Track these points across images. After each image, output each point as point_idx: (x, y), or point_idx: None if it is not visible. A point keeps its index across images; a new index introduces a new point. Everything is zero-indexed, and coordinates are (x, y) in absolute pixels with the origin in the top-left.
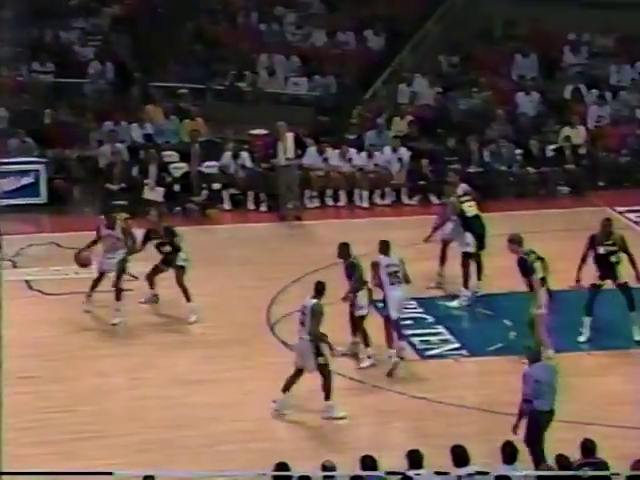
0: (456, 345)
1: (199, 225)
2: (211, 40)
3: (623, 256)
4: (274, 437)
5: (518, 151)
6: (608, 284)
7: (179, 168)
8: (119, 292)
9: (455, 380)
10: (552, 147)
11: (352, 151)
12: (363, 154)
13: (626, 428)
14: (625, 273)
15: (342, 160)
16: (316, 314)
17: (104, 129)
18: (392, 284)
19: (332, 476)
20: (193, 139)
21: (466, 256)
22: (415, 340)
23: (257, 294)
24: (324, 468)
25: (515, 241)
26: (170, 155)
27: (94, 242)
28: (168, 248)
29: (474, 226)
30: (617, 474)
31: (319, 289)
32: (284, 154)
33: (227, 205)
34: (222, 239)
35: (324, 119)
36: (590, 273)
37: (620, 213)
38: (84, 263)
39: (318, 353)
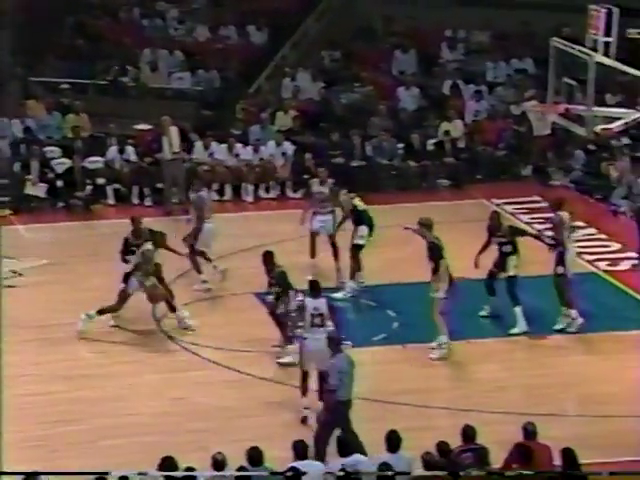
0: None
1: (83, 220)
2: (93, 35)
3: (519, 243)
4: (161, 430)
5: (400, 145)
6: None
7: (62, 164)
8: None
9: None
10: (432, 141)
11: (238, 145)
12: (249, 148)
13: (505, 414)
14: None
15: (228, 154)
16: (333, 310)
17: None
18: (208, 218)
19: (221, 469)
20: (76, 134)
21: (356, 248)
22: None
23: None
24: (214, 461)
25: (426, 225)
26: (52, 151)
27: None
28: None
29: (367, 219)
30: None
31: (316, 286)
32: (170, 148)
33: (111, 200)
34: (106, 234)
35: (208, 113)
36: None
37: (497, 205)
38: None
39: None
